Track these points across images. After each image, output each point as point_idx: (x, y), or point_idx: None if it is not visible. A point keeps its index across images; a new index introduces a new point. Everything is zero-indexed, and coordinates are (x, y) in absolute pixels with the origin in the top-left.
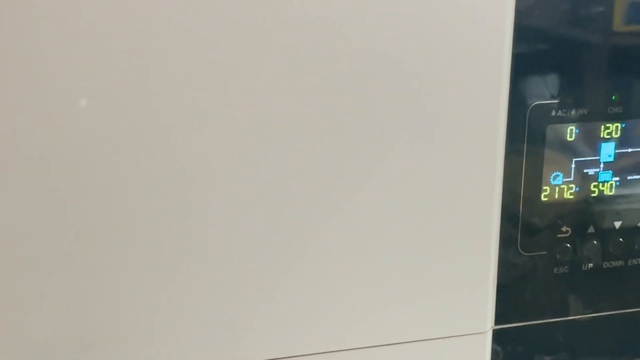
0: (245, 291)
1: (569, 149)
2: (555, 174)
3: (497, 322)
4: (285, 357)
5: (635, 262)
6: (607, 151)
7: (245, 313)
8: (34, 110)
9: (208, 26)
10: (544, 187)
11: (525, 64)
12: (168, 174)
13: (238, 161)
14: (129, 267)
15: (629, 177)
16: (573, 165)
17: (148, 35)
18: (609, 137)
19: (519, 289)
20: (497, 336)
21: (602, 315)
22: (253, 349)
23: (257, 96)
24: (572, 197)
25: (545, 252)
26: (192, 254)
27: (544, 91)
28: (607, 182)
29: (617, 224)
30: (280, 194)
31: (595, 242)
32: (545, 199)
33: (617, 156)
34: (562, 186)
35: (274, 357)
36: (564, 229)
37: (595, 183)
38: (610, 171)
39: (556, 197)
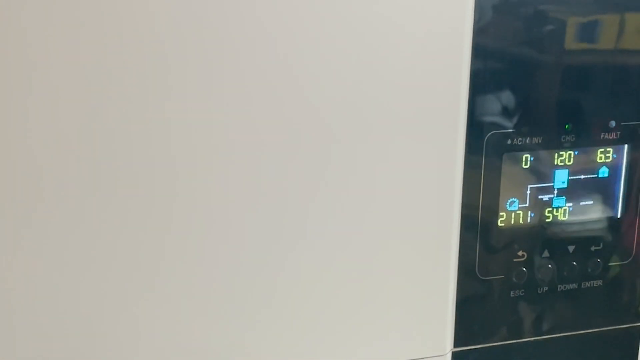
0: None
1: (524, 176)
2: (511, 200)
3: (456, 344)
4: None
5: (588, 285)
6: (561, 178)
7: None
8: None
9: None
10: (501, 213)
11: (482, 96)
12: (163, 176)
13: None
14: (111, 286)
15: (581, 203)
16: (528, 192)
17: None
18: (562, 164)
19: (477, 312)
20: (456, 358)
21: (557, 337)
22: None
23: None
24: (527, 222)
25: (502, 276)
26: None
27: (501, 120)
28: (561, 207)
29: (571, 248)
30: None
31: (550, 265)
32: (502, 224)
33: (570, 183)
34: (517, 212)
35: None
36: (520, 253)
37: (550, 209)
38: (564, 197)
39: (512, 222)
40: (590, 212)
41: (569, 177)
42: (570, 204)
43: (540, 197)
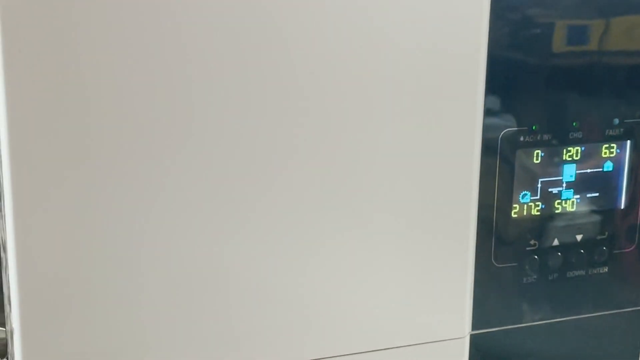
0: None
1: (535, 171)
2: (523, 193)
3: (474, 327)
4: None
5: (595, 272)
6: (569, 172)
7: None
8: None
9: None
10: (514, 205)
11: (497, 98)
12: (174, 182)
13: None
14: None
15: (588, 195)
16: (539, 185)
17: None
18: (570, 159)
19: (493, 297)
20: (474, 340)
21: (566, 320)
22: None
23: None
24: (538, 213)
25: (516, 264)
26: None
27: (513, 120)
28: (569, 199)
29: (579, 237)
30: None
31: (559, 253)
32: (515, 215)
33: (578, 176)
34: (529, 204)
35: None
36: (531, 242)
37: (559, 201)
38: (572, 190)
39: (524, 213)
40: (596, 204)
41: (577, 171)
42: (578, 196)
43: (550, 189)
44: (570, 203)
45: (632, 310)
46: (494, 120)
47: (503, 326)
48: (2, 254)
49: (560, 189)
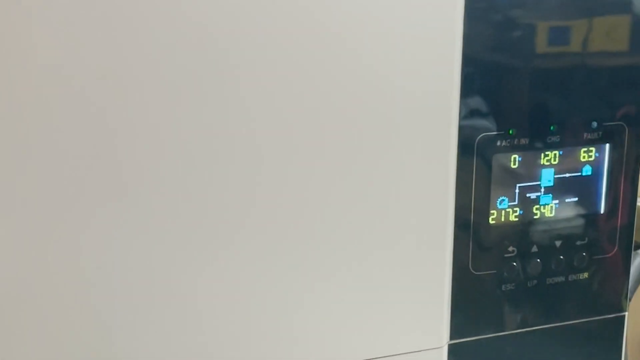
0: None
1: (513, 176)
2: (501, 198)
3: (452, 337)
4: None
5: (575, 278)
6: (547, 177)
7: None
8: None
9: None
10: (492, 211)
11: (472, 102)
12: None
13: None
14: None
15: (567, 200)
16: (517, 191)
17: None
18: (548, 164)
19: (471, 306)
20: (453, 350)
21: (547, 328)
22: None
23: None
24: (516, 219)
25: (495, 271)
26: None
27: (490, 124)
28: (548, 205)
29: (558, 243)
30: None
31: (538, 260)
32: (493, 222)
33: (556, 181)
34: (507, 210)
35: None
36: (510, 249)
37: (537, 206)
38: (551, 195)
39: (502, 220)
40: (575, 209)
41: (555, 176)
42: (557, 201)
43: (528, 195)
44: (549, 208)
45: (614, 317)
46: (470, 125)
47: (482, 335)
48: None
49: (538, 194)
